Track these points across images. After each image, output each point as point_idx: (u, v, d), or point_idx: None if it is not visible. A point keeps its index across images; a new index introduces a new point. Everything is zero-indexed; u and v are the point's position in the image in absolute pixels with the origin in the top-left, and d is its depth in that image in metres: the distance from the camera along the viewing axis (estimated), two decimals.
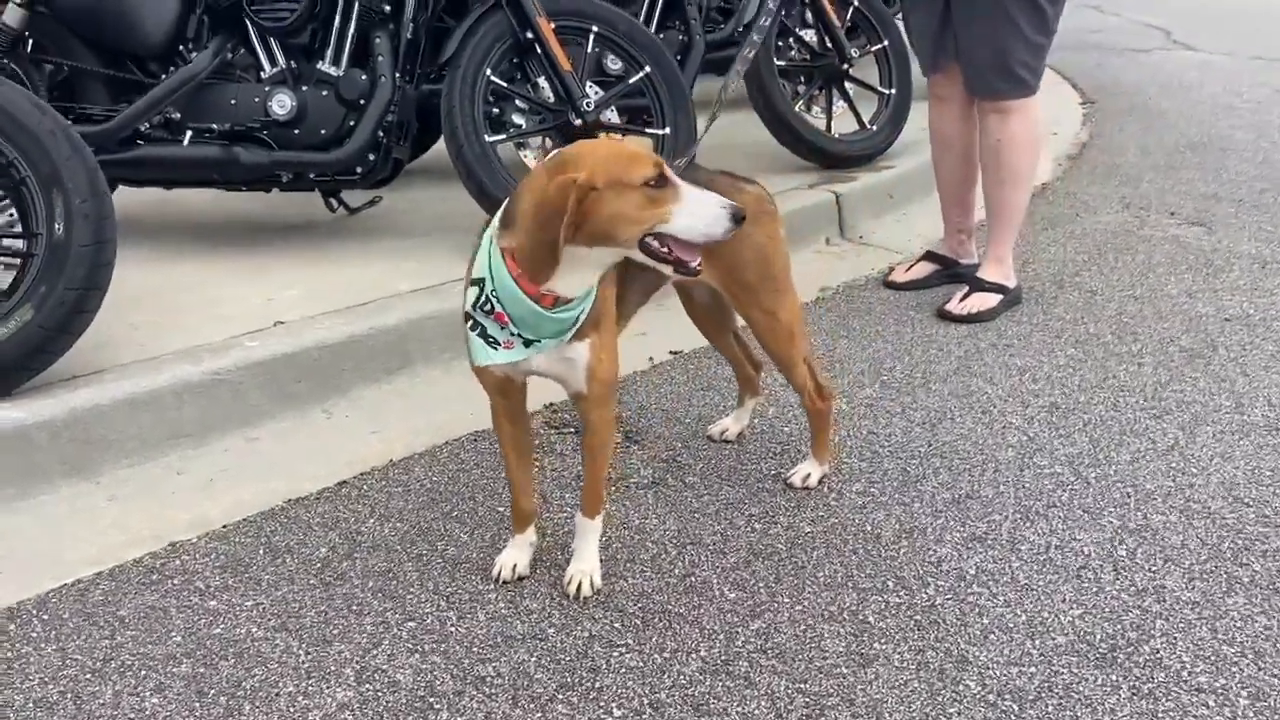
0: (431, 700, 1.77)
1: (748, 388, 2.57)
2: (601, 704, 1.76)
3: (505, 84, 3.32)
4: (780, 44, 4.33)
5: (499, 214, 1.80)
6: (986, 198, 3.42)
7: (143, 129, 3.31)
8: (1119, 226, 4.19)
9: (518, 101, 3.42)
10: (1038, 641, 1.90)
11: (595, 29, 3.41)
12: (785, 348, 2.25)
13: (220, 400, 2.59)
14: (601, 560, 2.09)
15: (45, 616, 1.98)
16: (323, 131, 3.33)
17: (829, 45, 4.38)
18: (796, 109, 4.30)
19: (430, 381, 2.87)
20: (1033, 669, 1.83)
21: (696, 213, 1.72)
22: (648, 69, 3.46)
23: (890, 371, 2.98)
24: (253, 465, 2.49)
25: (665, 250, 1.75)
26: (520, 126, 3.42)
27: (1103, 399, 2.79)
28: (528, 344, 1.80)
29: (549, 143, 3.46)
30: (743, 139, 4.50)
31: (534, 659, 1.87)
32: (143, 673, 1.83)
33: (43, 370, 2.43)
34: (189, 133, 3.31)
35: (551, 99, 3.38)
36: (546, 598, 2.03)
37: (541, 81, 3.40)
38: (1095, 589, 2.03)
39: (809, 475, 2.39)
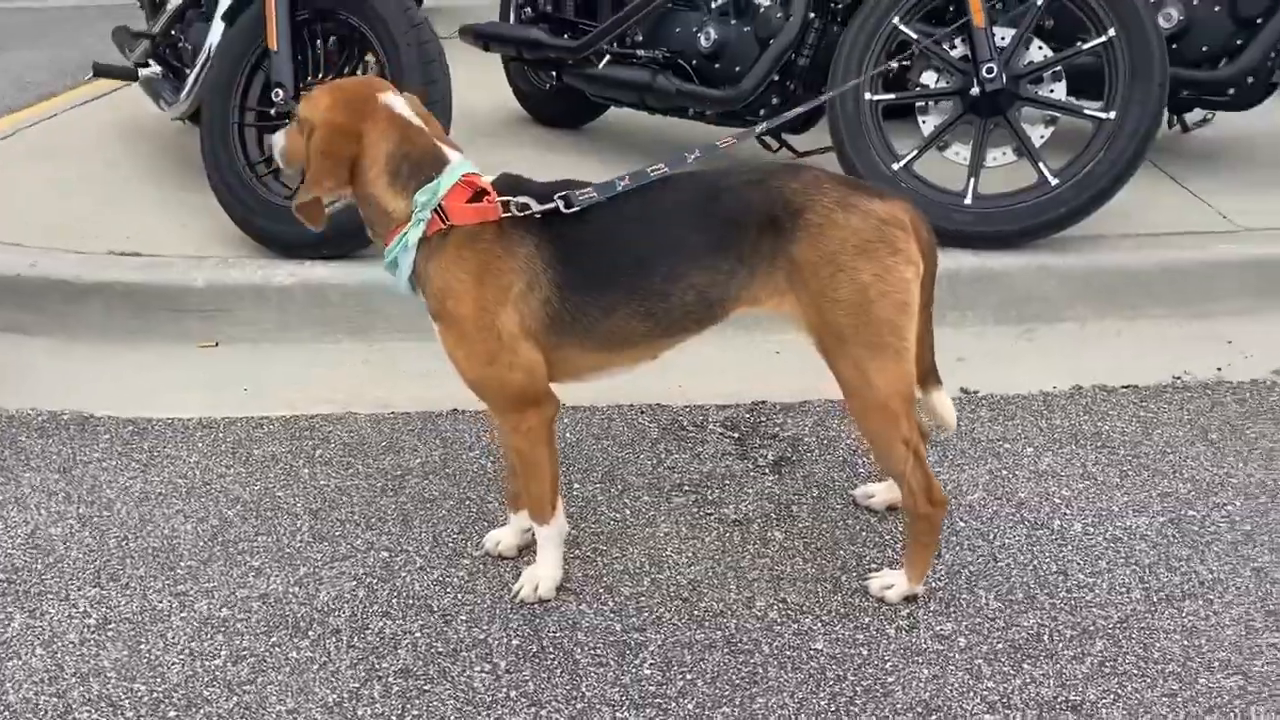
0: (285, 630, 1.81)
1: None
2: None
3: (916, 36, 2.86)
4: None
5: None
6: None
7: (605, 48, 3.52)
8: None
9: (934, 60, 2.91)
10: None
11: None
12: (875, 422, 1.70)
13: None
14: (619, 578, 1.90)
15: (202, 432, 2.41)
16: (736, 68, 3.22)
17: None
18: None
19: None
20: None
21: None
22: (1112, 32, 2.69)
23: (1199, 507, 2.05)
24: None
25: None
26: (925, 87, 2.91)
27: None
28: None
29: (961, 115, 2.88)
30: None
31: (394, 645, 1.79)
32: (205, 502, 2.16)
33: None
34: (634, 56, 3.44)
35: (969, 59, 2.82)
36: (499, 584, 1.91)
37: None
38: None
39: (890, 587, 1.82)
